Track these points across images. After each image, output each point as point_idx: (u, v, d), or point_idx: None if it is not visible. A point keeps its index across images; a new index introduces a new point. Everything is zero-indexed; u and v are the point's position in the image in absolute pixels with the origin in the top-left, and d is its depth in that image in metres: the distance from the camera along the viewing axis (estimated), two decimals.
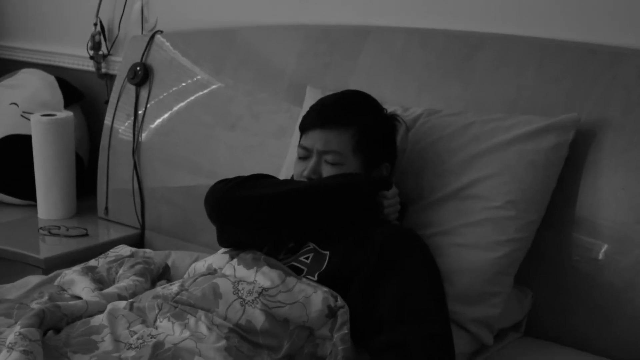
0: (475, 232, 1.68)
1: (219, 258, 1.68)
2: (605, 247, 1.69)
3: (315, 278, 1.59)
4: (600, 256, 1.70)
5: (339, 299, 1.54)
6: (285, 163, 2.08)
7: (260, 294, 1.54)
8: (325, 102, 1.77)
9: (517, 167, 1.70)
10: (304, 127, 1.73)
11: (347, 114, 1.70)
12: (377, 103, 1.77)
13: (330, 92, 1.90)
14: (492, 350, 1.72)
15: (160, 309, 1.57)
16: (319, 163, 1.69)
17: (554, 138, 1.70)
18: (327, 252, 1.63)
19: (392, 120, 1.77)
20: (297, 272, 1.62)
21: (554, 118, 1.72)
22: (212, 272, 1.66)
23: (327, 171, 1.68)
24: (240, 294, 1.54)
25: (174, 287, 1.63)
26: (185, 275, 1.75)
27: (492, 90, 1.89)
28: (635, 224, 1.66)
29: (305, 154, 1.71)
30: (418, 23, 2.09)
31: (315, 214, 1.63)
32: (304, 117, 1.75)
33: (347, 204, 1.64)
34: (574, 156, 1.73)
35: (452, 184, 1.74)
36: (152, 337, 1.50)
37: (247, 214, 1.64)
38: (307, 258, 1.64)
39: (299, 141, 1.74)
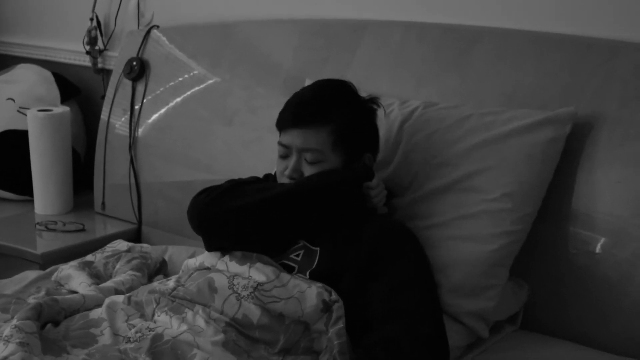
0: (472, 225, 1.68)
1: (210, 256, 1.67)
2: (601, 240, 1.70)
3: (307, 276, 1.59)
4: (597, 249, 1.70)
5: (334, 293, 1.54)
6: None
7: (255, 288, 1.54)
8: (300, 98, 1.73)
9: (513, 160, 1.70)
10: (281, 126, 1.71)
11: (323, 111, 1.66)
12: (352, 91, 1.73)
13: None
14: (488, 343, 1.72)
15: (158, 303, 1.57)
16: (300, 161, 1.67)
17: (551, 131, 1.70)
18: (318, 249, 1.63)
19: (369, 107, 1.74)
20: (288, 270, 1.61)
21: (551, 112, 1.73)
22: (205, 268, 1.66)
23: (307, 170, 1.66)
24: (235, 289, 1.54)
25: (170, 282, 1.63)
26: (180, 272, 1.75)
27: (489, 84, 1.89)
28: (631, 218, 1.67)
29: (285, 152, 1.69)
30: (415, 17, 2.09)
31: (299, 217, 1.63)
32: (280, 114, 1.72)
33: (331, 203, 1.63)
34: (571, 149, 1.73)
35: (449, 176, 1.74)
36: (151, 330, 1.50)
37: (230, 225, 1.63)
38: (297, 255, 1.64)
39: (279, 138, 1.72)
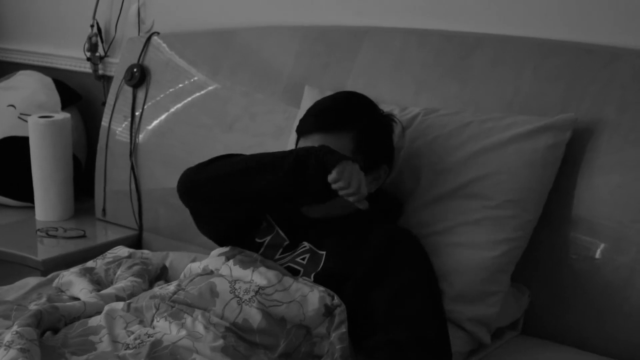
0: (473, 231, 1.69)
1: (214, 260, 1.68)
2: (602, 245, 1.70)
3: (312, 279, 1.60)
4: (597, 255, 1.70)
5: (336, 297, 1.54)
6: None
7: (256, 292, 1.54)
8: (322, 105, 1.74)
9: (514, 166, 1.70)
10: (303, 131, 1.71)
11: (345, 117, 1.68)
12: (373, 104, 1.76)
13: (329, 93, 1.90)
14: (490, 349, 1.73)
15: (157, 309, 1.57)
16: None
17: (551, 138, 1.71)
18: (324, 253, 1.63)
19: (388, 121, 1.76)
20: (294, 273, 1.62)
21: (551, 118, 1.73)
22: (208, 273, 1.66)
23: None
24: (237, 293, 1.55)
25: (171, 286, 1.64)
26: (181, 276, 1.76)
27: (489, 90, 1.89)
28: (631, 223, 1.67)
29: None
30: (415, 23, 2.10)
31: (258, 185, 1.58)
32: (302, 121, 1.72)
33: (297, 175, 1.55)
34: (571, 155, 1.74)
35: (450, 183, 1.74)
36: (150, 336, 1.51)
37: (210, 190, 1.65)
38: (303, 259, 1.64)
39: (297, 144, 1.73)
